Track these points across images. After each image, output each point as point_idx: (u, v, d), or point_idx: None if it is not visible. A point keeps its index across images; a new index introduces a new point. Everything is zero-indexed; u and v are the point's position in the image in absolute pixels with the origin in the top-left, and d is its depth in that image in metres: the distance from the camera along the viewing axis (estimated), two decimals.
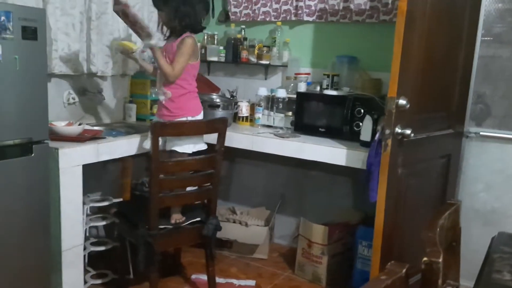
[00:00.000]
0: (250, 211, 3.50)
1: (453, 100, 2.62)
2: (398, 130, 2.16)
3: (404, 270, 0.79)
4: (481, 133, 2.75)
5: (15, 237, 1.98)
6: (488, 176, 2.77)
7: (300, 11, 3.19)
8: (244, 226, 3.26)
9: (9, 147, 1.89)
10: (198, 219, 2.57)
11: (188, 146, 2.56)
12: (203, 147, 2.65)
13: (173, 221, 2.49)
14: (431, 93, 2.40)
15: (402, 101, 2.12)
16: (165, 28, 2.63)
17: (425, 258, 0.86)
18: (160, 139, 2.45)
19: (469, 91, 2.73)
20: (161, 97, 2.59)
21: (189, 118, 2.56)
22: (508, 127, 2.74)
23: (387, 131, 2.16)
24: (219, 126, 2.52)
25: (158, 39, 2.56)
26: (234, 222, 3.29)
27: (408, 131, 2.16)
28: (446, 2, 2.37)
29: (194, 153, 2.60)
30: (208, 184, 2.60)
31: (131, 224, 2.53)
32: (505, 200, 2.73)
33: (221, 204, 3.55)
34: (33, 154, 1.97)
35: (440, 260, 0.85)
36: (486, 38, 2.77)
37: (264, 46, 3.29)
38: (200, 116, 2.63)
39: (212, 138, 2.58)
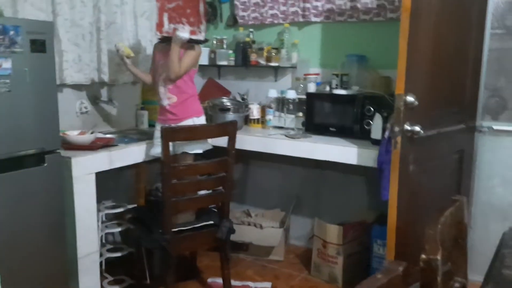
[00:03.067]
0: (265, 213, 3.50)
1: (464, 94, 2.58)
2: (407, 127, 2.14)
3: (401, 268, 0.79)
4: (494, 127, 2.70)
5: (32, 246, 2.02)
6: (504, 171, 2.72)
7: (307, 12, 3.19)
8: (259, 228, 3.27)
9: (23, 158, 1.94)
10: (211, 222, 2.59)
11: (197, 147, 2.60)
12: (209, 147, 2.72)
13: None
14: (441, 89, 2.37)
15: (410, 98, 2.10)
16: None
17: (423, 256, 0.85)
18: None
19: (480, 85, 2.69)
20: (165, 102, 2.64)
21: (195, 119, 2.62)
22: None
23: (396, 129, 2.14)
24: (229, 129, 2.53)
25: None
26: (249, 224, 3.30)
27: (417, 128, 2.14)
28: None
29: (203, 154, 2.65)
30: (221, 187, 2.62)
31: (146, 229, 2.56)
32: None
33: (236, 207, 3.57)
34: (46, 164, 2.01)
35: (439, 257, 0.84)
36: (498, 31, 2.72)
37: (272, 48, 3.30)
38: (203, 117, 2.68)
39: (224, 141, 2.60)
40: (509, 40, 2.74)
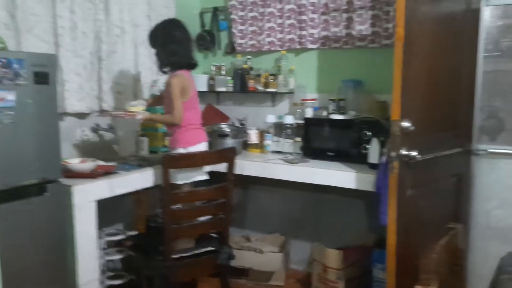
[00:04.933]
0: (265, 237, 3.51)
1: (459, 118, 2.62)
2: (403, 152, 2.17)
3: None
4: (489, 150, 2.73)
5: (33, 274, 2.03)
6: (501, 193, 2.73)
7: (304, 40, 3.26)
8: (259, 253, 3.26)
9: (24, 187, 1.97)
10: (211, 248, 2.59)
11: (180, 177, 2.62)
12: (201, 178, 2.72)
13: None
14: (436, 113, 2.41)
15: (405, 124, 2.14)
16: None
17: (417, 286, 0.87)
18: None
19: (475, 109, 2.73)
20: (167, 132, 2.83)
21: (180, 150, 2.65)
22: None
23: (393, 154, 2.17)
24: (228, 156, 2.57)
25: (142, 114, 2.69)
26: (248, 249, 3.30)
27: (414, 153, 2.17)
28: (444, 24, 2.40)
29: (196, 184, 2.68)
30: (221, 213, 2.63)
31: (146, 256, 2.57)
32: None
33: (236, 231, 3.57)
34: (47, 193, 2.03)
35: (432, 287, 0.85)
36: (492, 54, 2.78)
37: (270, 75, 3.35)
38: (195, 147, 2.71)
39: (223, 167, 2.62)
40: (504, 62, 2.81)
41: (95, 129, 2.99)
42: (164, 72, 2.75)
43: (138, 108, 2.70)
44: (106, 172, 2.57)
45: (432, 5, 2.29)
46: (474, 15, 2.65)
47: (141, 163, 2.91)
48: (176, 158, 2.47)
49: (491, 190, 2.76)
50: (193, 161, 2.54)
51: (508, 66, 2.80)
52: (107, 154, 3.09)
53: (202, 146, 2.73)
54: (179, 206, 2.49)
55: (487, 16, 2.73)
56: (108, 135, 3.07)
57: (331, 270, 2.92)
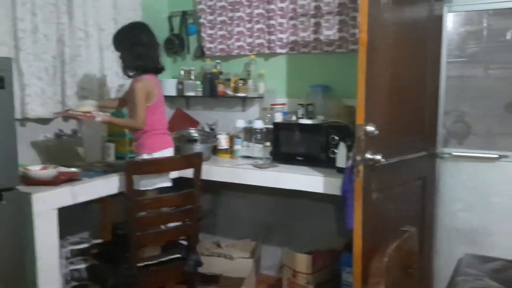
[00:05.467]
0: (236, 243, 3.47)
1: (424, 122, 2.66)
2: (368, 156, 2.18)
3: None
4: (454, 153, 2.78)
5: None
6: (465, 196, 2.78)
7: (273, 44, 3.26)
8: (229, 259, 3.23)
9: None
10: (178, 255, 2.55)
11: (143, 183, 2.58)
12: (165, 184, 2.69)
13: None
14: (401, 117, 2.44)
15: (370, 128, 2.15)
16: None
17: None
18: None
19: (439, 113, 2.77)
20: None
21: (144, 156, 2.61)
22: (485, 146, 2.78)
23: (358, 158, 2.18)
24: (194, 161, 2.54)
25: (101, 116, 2.66)
26: (219, 256, 3.26)
27: (378, 157, 2.18)
28: (408, 29, 2.44)
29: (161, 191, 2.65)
30: (188, 220, 2.60)
31: (112, 265, 2.51)
32: (484, 218, 2.73)
33: (207, 238, 3.53)
34: (3, 201, 1.96)
35: None
36: (459, 59, 2.84)
37: (239, 79, 3.34)
38: (160, 153, 2.67)
39: (191, 172, 2.59)
40: (468, 68, 2.87)
41: (59, 135, 2.91)
42: (129, 76, 2.71)
43: (85, 109, 2.65)
44: (68, 179, 2.50)
45: (395, 11, 2.32)
46: (437, 21, 2.70)
47: (107, 169, 2.84)
48: (140, 164, 2.43)
49: (455, 193, 2.80)
50: (157, 166, 2.50)
51: (472, 71, 2.86)
52: (72, 160, 3.01)
53: (167, 152, 2.69)
54: (144, 213, 2.44)
55: (450, 22, 2.78)
56: (72, 141, 3.00)
57: (301, 274, 2.91)
